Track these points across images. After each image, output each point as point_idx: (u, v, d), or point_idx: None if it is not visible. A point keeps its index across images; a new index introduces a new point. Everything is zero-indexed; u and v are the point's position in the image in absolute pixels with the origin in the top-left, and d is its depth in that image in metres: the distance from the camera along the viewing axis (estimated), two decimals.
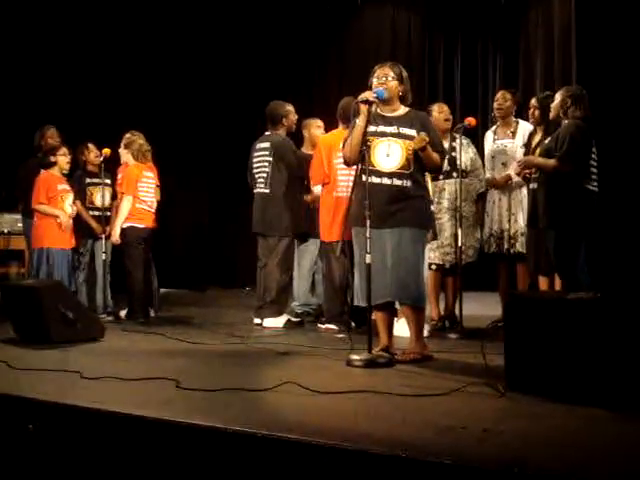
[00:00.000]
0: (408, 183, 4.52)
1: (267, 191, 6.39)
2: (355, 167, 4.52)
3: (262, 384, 3.74)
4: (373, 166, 4.51)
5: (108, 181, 7.16)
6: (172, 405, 3.34)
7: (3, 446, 3.44)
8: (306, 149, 6.69)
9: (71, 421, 3.32)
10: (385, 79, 4.60)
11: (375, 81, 4.62)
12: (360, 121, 4.54)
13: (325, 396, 3.49)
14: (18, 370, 4.23)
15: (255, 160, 6.48)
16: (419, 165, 4.58)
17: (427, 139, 4.47)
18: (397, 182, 4.51)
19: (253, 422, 2.96)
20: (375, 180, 4.51)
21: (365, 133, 4.46)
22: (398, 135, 4.54)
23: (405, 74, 4.70)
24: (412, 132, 4.53)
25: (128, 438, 3.11)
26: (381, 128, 4.57)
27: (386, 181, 4.52)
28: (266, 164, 6.39)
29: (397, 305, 4.78)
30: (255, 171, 6.48)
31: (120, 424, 3.16)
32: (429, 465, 2.48)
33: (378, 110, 4.63)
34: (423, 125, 4.61)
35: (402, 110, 4.67)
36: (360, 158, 4.47)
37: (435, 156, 4.60)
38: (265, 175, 6.40)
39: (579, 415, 3.10)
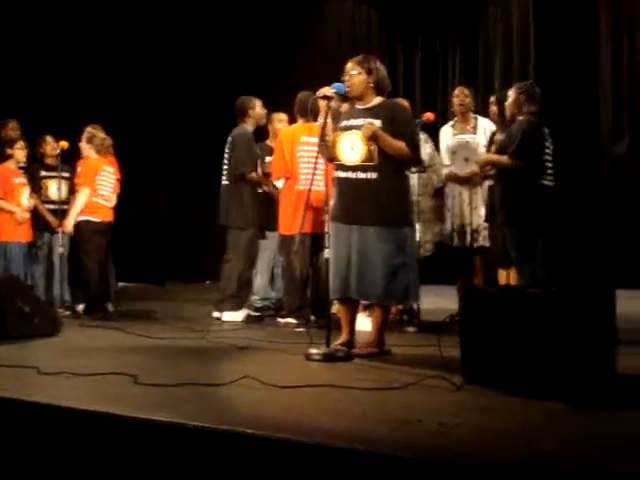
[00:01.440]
0: (374, 175, 4.43)
1: (227, 182, 6.42)
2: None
3: (221, 379, 3.73)
4: (339, 160, 4.51)
5: (66, 174, 7.08)
6: (129, 400, 3.31)
7: None
8: (270, 142, 6.75)
9: (28, 417, 3.29)
10: (350, 74, 4.52)
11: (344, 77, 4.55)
12: (320, 117, 4.54)
13: (283, 391, 3.50)
14: None
15: (225, 153, 6.49)
16: (388, 157, 4.45)
17: (373, 127, 4.37)
18: (362, 175, 4.45)
19: (212, 417, 2.96)
20: (341, 174, 4.51)
21: (324, 128, 4.47)
22: (361, 127, 4.47)
23: (375, 65, 4.57)
24: (376, 122, 4.43)
25: (85, 434, 3.09)
26: (350, 122, 4.52)
27: (351, 175, 4.48)
28: (226, 156, 6.42)
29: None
30: (223, 163, 6.49)
31: (77, 420, 3.14)
32: (385, 459, 2.50)
33: (356, 104, 4.59)
34: (391, 112, 4.51)
35: (376, 101, 4.57)
36: (324, 152, 4.48)
37: (395, 144, 4.41)
38: (226, 167, 6.43)
39: (535, 408, 3.14)
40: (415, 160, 4.73)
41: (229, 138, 6.47)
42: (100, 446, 3.04)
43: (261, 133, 6.89)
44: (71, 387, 3.65)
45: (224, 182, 6.47)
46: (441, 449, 2.57)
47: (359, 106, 4.60)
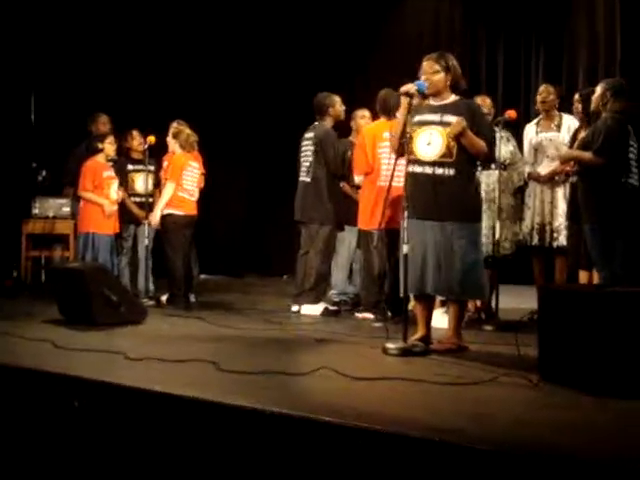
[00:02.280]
0: (451, 172, 4.49)
1: (308, 180, 6.50)
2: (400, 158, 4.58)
3: (299, 369, 3.82)
4: (415, 156, 4.55)
5: (151, 168, 7.29)
6: (212, 386, 3.43)
7: (50, 420, 3.58)
8: (353, 138, 6.82)
9: (114, 399, 3.44)
10: (430, 72, 4.58)
11: (422, 75, 4.60)
12: (400, 113, 4.60)
13: (360, 382, 3.57)
14: (64, 350, 4.38)
15: (302, 149, 6.60)
16: (466, 155, 4.54)
17: (463, 123, 4.44)
18: (439, 171, 4.50)
19: (290, 404, 3.04)
20: (417, 170, 4.54)
21: (405, 124, 4.51)
22: (440, 123, 4.52)
23: (452, 62, 4.64)
24: (455, 120, 4.49)
25: (169, 417, 3.22)
26: (425, 117, 4.58)
27: (428, 170, 4.52)
28: (309, 153, 6.51)
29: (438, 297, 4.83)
30: (301, 160, 6.59)
31: (162, 403, 3.27)
32: (462, 450, 2.54)
33: (429, 100, 4.66)
34: (470, 111, 4.58)
35: (451, 99, 4.64)
36: (401, 150, 4.53)
37: (478, 142, 4.50)
38: (308, 164, 6.52)
39: (610, 408, 3.13)
40: (490, 159, 4.97)
41: (310, 134, 6.55)
42: (183, 429, 3.17)
43: (343, 129, 6.96)
44: (156, 372, 3.79)
45: (303, 178, 6.56)
46: (515, 442, 2.59)
47: (434, 102, 4.65)
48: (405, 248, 4.42)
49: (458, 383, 3.58)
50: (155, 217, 6.82)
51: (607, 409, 3.12)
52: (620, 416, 3.04)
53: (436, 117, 4.56)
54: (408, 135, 4.53)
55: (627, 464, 2.38)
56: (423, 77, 4.59)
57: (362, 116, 6.78)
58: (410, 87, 4.53)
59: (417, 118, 4.58)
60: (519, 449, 2.51)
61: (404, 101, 4.55)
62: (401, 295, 4.62)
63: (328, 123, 6.55)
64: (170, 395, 3.26)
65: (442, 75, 4.60)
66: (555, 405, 3.20)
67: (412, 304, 4.92)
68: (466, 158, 4.54)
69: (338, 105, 6.58)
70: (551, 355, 3.58)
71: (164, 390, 3.31)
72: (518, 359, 3.91)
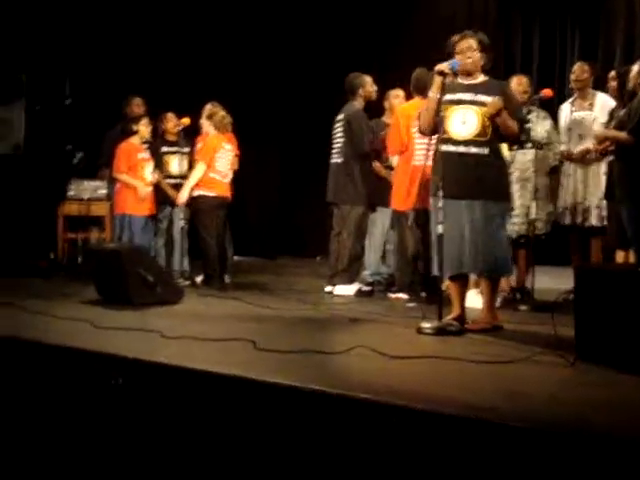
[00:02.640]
0: (485, 151, 4.51)
1: (339, 161, 6.52)
2: (430, 137, 4.58)
3: (335, 348, 3.85)
4: (448, 134, 4.54)
5: (186, 149, 7.33)
6: (251, 365, 3.47)
7: (89, 398, 3.65)
8: (387, 118, 6.80)
9: (153, 377, 3.50)
10: (469, 51, 4.58)
11: (458, 53, 4.60)
12: (432, 92, 4.59)
13: (396, 360, 3.59)
14: (102, 329, 4.43)
15: (334, 131, 6.61)
16: (496, 134, 4.56)
17: (501, 103, 4.45)
18: (473, 150, 4.52)
19: (328, 382, 3.08)
20: (451, 149, 4.53)
21: (439, 103, 4.50)
22: (474, 102, 4.53)
23: (487, 41, 4.68)
24: (489, 99, 4.50)
25: (208, 395, 3.26)
26: (458, 96, 4.58)
27: (462, 149, 4.53)
28: (340, 134, 6.53)
29: (472, 276, 4.83)
30: (333, 141, 6.60)
31: (201, 381, 3.31)
32: (497, 427, 2.56)
33: (458, 79, 4.66)
34: (502, 92, 4.59)
35: (481, 78, 4.67)
36: (434, 128, 4.52)
37: (511, 123, 4.54)
38: (339, 145, 6.53)
39: None
40: (518, 139, 4.98)
41: (341, 116, 6.55)
42: (223, 407, 3.21)
43: (377, 109, 6.95)
44: (193, 351, 3.84)
45: (334, 160, 6.57)
46: (551, 420, 2.60)
47: (464, 82, 4.65)
48: (440, 228, 4.42)
49: (494, 361, 3.58)
50: (182, 196, 6.83)
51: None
52: None
53: (469, 96, 4.58)
54: (441, 114, 4.53)
55: None
56: (459, 56, 4.58)
57: (396, 96, 6.76)
58: (444, 66, 4.52)
59: (449, 97, 4.58)
60: (555, 427, 2.52)
61: (437, 80, 4.54)
62: (435, 274, 4.62)
63: (359, 103, 6.54)
64: (209, 373, 3.30)
65: (480, 55, 4.60)
66: (591, 383, 3.21)
67: (446, 284, 4.92)
68: (497, 137, 4.58)
69: (369, 85, 6.57)
70: (588, 334, 3.58)
71: (203, 368, 3.35)
72: (554, 339, 3.89)
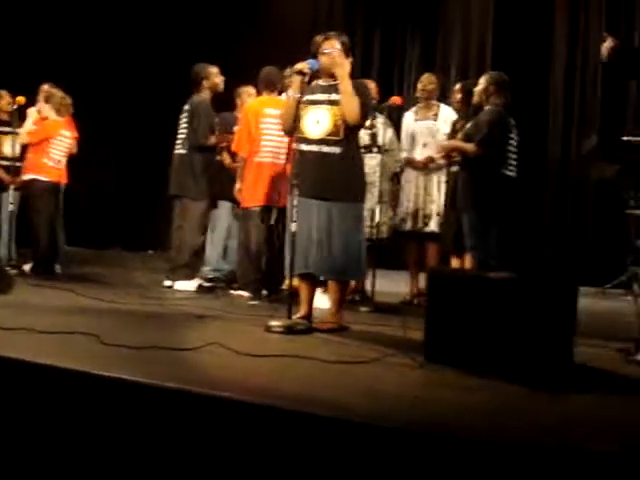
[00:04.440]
0: (337, 150, 4.52)
1: (183, 152, 6.38)
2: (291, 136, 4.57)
3: (185, 344, 3.74)
4: (303, 134, 4.55)
5: (20, 130, 6.92)
6: (97, 359, 3.30)
7: None
8: (238, 113, 6.70)
9: None
10: (333, 52, 4.58)
11: (323, 53, 4.59)
12: (292, 91, 4.58)
13: (250, 358, 3.53)
14: None
15: (180, 121, 6.44)
16: (353, 135, 4.59)
17: (338, 60, 4.49)
18: (325, 149, 4.52)
19: (179, 379, 2.97)
20: (305, 148, 4.55)
21: (298, 103, 4.50)
22: (329, 102, 4.55)
23: (349, 43, 4.73)
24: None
25: (55, 391, 3.07)
26: (316, 96, 4.60)
27: (314, 148, 4.54)
28: (184, 125, 6.37)
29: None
30: (178, 132, 6.43)
31: (45, 376, 3.11)
32: (358, 427, 2.55)
33: (320, 81, 4.67)
34: (355, 85, 4.55)
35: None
36: (293, 128, 4.51)
37: (353, 99, 4.45)
38: (183, 136, 6.38)
39: (494, 387, 3.23)
40: (359, 121, 4.60)
41: (186, 107, 6.41)
42: (68, 403, 3.03)
43: (228, 104, 6.84)
44: (34, 344, 3.60)
45: (178, 151, 6.42)
46: (412, 419, 2.64)
47: (323, 83, 4.67)
48: (293, 226, 4.41)
49: (349, 362, 3.58)
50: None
51: (493, 389, 3.22)
52: (507, 395, 3.15)
53: (325, 96, 4.60)
54: (299, 113, 4.52)
55: (520, 440, 2.47)
56: (324, 55, 4.59)
57: (249, 94, 6.70)
58: (303, 66, 4.52)
59: (308, 97, 4.59)
60: (416, 426, 2.55)
61: (297, 79, 4.53)
62: (286, 273, 4.61)
63: (205, 95, 6.42)
64: (56, 368, 3.11)
65: (343, 56, 4.63)
66: (444, 384, 3.28)
67: (287, 283, 4.90)
68: (352, 137, 4.59)
69: (214, 76, 6.45)
70: (437, 336, 3.67)
71: (48, 362, 3.15)
72: (402, 340, 3.98)
